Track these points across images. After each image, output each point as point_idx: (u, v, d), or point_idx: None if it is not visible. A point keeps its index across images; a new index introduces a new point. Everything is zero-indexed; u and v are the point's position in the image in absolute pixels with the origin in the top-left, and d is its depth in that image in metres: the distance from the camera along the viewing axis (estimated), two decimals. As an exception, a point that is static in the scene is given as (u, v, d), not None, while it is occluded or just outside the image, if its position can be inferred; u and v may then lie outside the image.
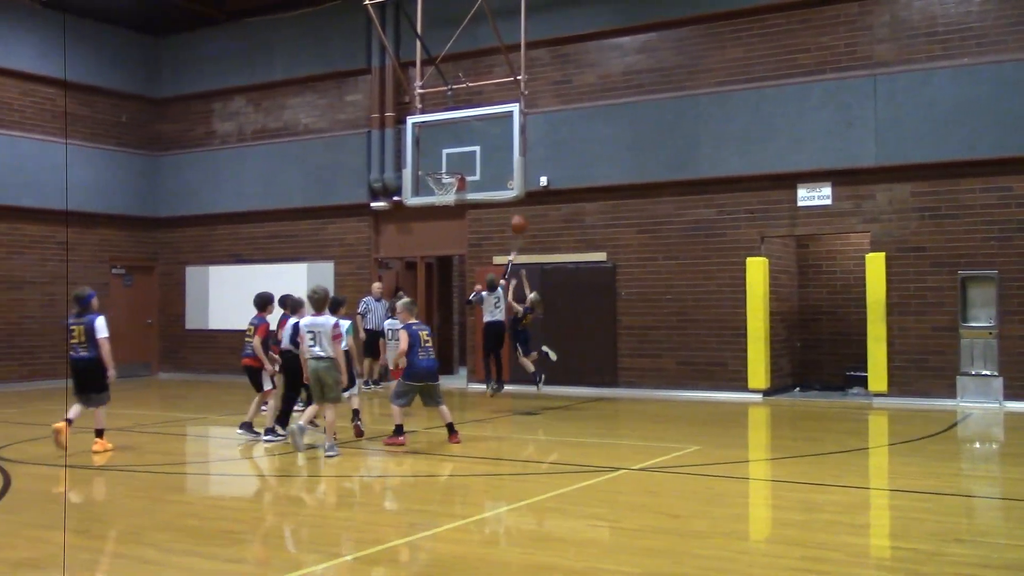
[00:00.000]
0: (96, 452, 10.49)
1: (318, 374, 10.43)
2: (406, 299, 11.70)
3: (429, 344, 10.93)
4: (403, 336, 10.80)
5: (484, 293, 15.69)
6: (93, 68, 20.73)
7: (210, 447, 12.52)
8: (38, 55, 19.62)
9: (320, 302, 10.56)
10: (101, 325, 10.58)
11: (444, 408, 11.06)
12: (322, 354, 10.42)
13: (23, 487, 8.72)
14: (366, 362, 17.65)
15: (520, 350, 15.26)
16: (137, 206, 21.64)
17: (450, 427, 11.04)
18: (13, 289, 19.15)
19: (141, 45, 21.85)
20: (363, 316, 17.40)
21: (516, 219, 15.39)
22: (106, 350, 10.49)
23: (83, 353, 10.57)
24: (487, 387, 15.86)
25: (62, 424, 10.16)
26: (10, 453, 10.56)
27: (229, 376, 20.21)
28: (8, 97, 19.19)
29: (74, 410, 10.65)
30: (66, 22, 20.14)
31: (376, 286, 17.98)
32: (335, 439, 10.43)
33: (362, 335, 17.20)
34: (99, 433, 10.70)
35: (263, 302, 11.87)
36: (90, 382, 10.63)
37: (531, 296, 15.44)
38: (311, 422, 11.15)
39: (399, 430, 10.89)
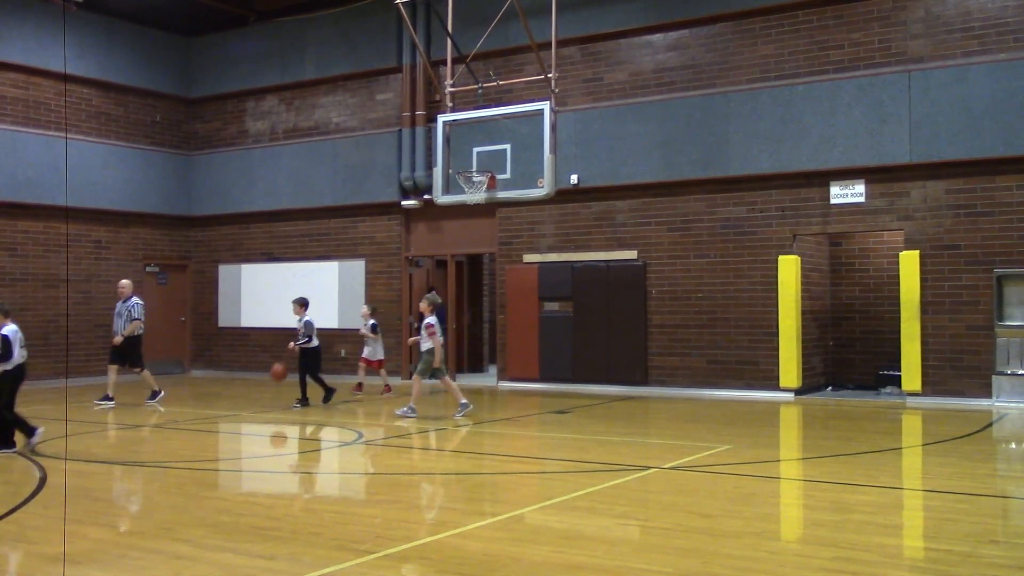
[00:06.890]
0: None
1: None
2: None
3: None
4: None
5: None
6: (127, 68, 20.95)
7: (243, 444, 12.62)
8: (74, 56, 19.87)
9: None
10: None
11: None
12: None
13: (58, 482, 8.83)
14: None
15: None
16: (171, 205, 21.86)
17: None
18: (49, 287, 19.39)
19: (174, 45, 22.05)
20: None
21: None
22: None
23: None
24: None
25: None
26: (45, 449, 10.69)
27: (261, 373, 20.36)
28: (44, 97, 19.43)
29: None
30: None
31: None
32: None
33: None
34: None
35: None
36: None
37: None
38: None
39: None
